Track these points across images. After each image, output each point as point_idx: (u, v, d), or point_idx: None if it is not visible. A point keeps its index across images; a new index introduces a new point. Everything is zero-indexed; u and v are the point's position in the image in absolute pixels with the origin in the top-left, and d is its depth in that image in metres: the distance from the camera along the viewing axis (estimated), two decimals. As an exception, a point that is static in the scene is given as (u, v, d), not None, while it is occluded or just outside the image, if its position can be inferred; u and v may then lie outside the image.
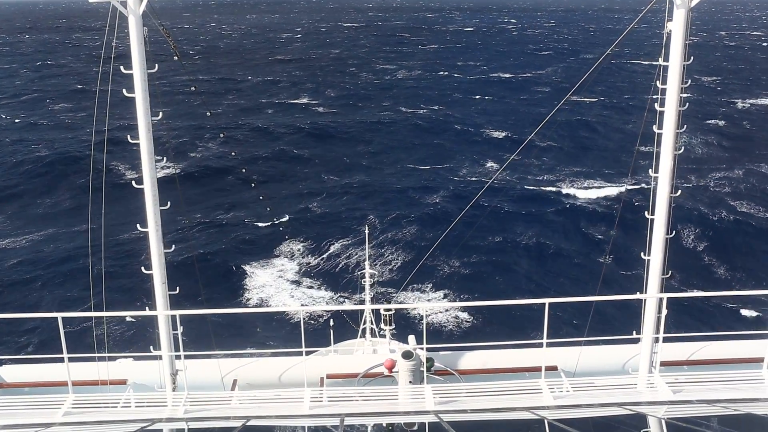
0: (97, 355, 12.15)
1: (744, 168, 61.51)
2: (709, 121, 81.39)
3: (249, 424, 9.13)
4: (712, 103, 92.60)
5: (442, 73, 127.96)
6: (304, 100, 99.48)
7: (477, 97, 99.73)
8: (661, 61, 11.05)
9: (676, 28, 10.77)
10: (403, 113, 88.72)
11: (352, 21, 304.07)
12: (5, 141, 72.95)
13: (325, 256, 44.15)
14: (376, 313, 20.41)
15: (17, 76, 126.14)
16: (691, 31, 10.73)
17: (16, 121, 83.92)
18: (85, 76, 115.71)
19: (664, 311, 11.47)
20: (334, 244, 45.73)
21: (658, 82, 11.14)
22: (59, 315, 9.95)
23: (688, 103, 11.19)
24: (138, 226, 11.69)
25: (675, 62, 10.93)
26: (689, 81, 11.01)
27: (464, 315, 35.83)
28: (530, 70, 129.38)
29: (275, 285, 40.22)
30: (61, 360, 10.45)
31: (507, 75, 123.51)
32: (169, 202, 11.99)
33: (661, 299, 11.64)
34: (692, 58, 11.03)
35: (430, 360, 12.88)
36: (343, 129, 79.19)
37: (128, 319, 33.54)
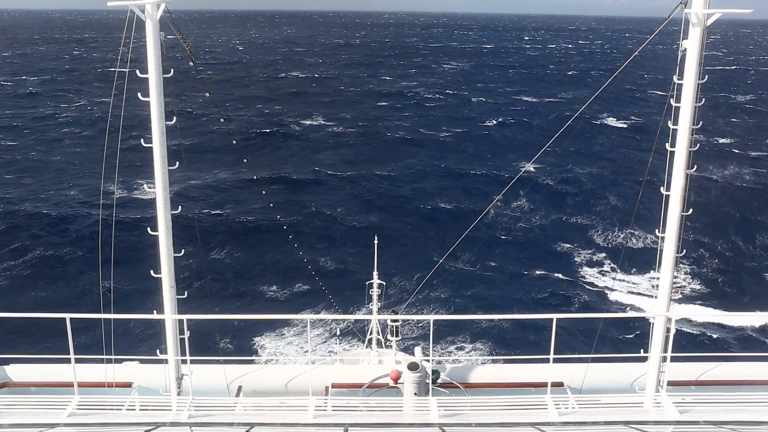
0: (103, 357, 12.17)
1: (761, 189, 61.37)
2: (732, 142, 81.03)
3: (252, 431, 9.10)
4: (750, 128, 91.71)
5: (462, 93, 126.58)
6: (319, 120, 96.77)
7: (498, 119, 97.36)
8: (675, 79, 11.02)
9: (691, 46, 10.75)
10: (423, 134, 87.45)
11: (369, 37, 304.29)
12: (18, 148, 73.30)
13: (335, 268, 44.16)
14: (383, 323, 20.37)
15: (24, 87, 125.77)
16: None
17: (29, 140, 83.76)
18: (100, 91, 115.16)
19: (673, 330, 11.39)
20: (345, 256, 45.72)
21: (672, 100, 11.10)
22: (67, 316, 9.98)
23: (701, 122, 11.15)
24: (148, 229, 11.74)
25: (689, 80, 10.90)
26: (703, 99, 10.98)
27: (471, 328, 35.70)
28: (552, 92, 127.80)
29: (284, 294, 40.26)
30: (68, 361, 10.48)
31: (529, 98, 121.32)
32: (180, 207, 12.04)
33: (669, 318, 11.56)
34: (707, 76, 11.00)
35: (435, 372, 12.84)
36: (359, 149, 78.26)
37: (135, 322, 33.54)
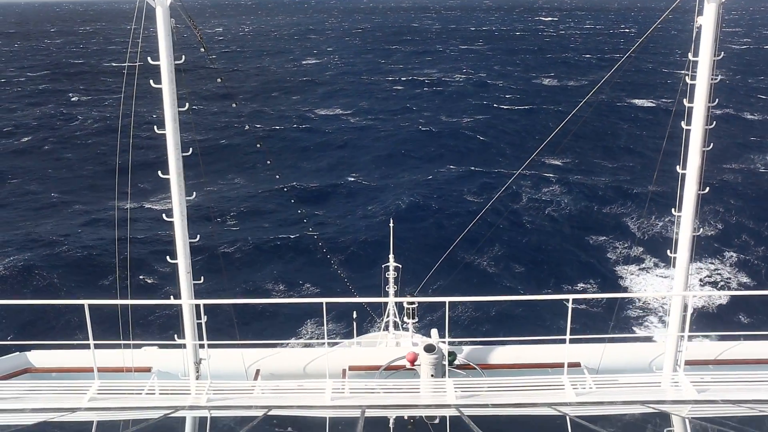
0: (122, 342, 12.32)
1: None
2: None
3: (270, 413, 9.20)
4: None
5: (480, 76, 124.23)
6: (336, 111, 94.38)
7: (519, 105, 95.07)
8: (690, 57, 10.91)
9: (707, 23, 10.62)
10: (443, 122, 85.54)
11: (386, 23, 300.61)
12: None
13: (351, 251, 44.20)
14: (399, 306, 20.43)
15: (34, 82, 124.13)
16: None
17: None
18: (112, 85, 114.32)
19: (690, 309, 11.34)
20: (362, 240, 45.74)
21: (687, 77, 11.00)
22: (86, 302, 10.11)
23: (717, 99, 11.04)
24: (164, 215, 11.84)
25: (704, 57, 10.78)
26: (719, 76, 10.85)
27: (487, 309, 35.68)
28: (573, 76, 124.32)
29: (300, 279, 40.46)
30: (88, 347, 10.64)
31: (549, 81, 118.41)
32: (194, 193, 12.13)
33: (686, 297, 11.52)
34: (722, 53, 10.87)
35: (452, 354, 12.90)
36: (376, 142, 76.59)
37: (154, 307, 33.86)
